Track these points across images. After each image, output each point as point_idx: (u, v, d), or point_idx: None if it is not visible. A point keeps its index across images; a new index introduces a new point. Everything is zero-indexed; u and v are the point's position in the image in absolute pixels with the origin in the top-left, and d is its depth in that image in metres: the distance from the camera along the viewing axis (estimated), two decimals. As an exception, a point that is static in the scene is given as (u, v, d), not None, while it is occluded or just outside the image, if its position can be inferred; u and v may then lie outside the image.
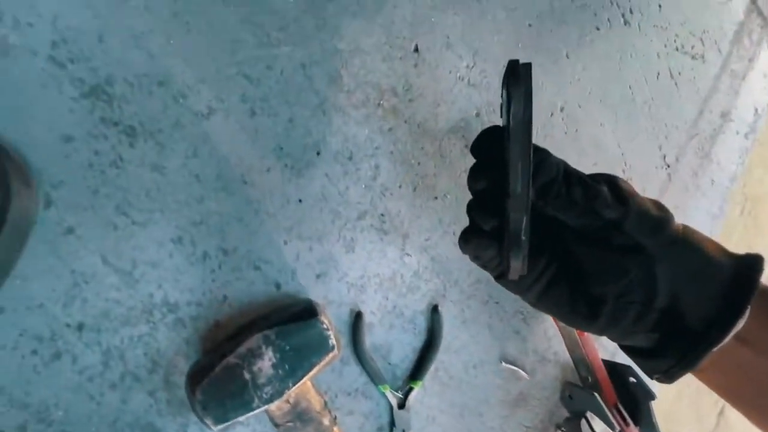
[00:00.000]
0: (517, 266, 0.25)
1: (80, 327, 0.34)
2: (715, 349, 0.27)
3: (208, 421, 0.30)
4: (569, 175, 0.27)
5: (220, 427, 0.31)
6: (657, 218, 0.27)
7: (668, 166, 0.63)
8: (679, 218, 0.27)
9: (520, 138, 0.23)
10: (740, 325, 0.27)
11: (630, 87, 0.61)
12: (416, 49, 0.47)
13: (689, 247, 0.28)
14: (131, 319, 0.35)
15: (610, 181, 0.28)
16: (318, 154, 0.42)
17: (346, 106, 0.44)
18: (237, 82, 0.40)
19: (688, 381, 0.30)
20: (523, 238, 0.24)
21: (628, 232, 0.27)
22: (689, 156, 0.65)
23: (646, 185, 0.62)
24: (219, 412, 0.30)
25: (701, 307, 0.27)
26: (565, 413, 0.50)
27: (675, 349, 0.28)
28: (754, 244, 0.86)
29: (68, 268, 0.34)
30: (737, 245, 0.78)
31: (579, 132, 0.57)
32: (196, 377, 0.31)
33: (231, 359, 0.31)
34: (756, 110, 0.73)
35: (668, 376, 0.29)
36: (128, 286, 0.35)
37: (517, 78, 0.23)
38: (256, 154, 0.40)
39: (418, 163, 0.46)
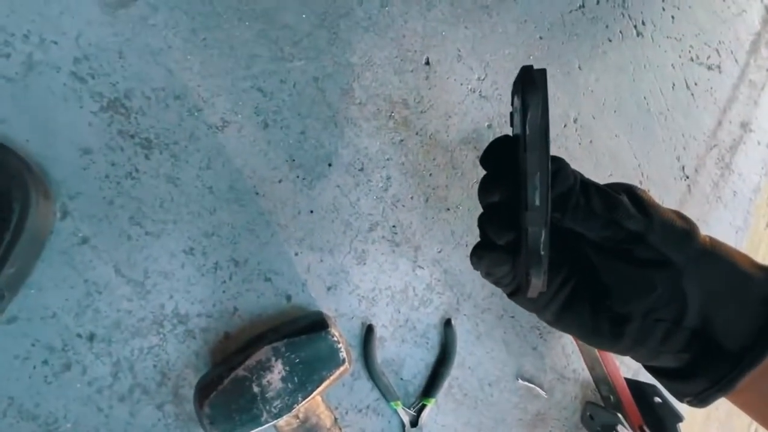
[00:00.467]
0: (537, 283, 0.23)
1: (91, 338, 0.34)
2: (754, 371, 0.25)
3: (216, 436, 0.30)
4: (586, 185, 0.26)
5: (228, 442, 0.30)
6: (683, 230, 0.26)
7: (687, 177, 0.62)
8: (702, 231, 0.26)
9: (537, 146, 0.22)
10: None
11: (645, 98, 0.60)
12: (427, 62, 0.47)
13: (719, 260, 0.26)
14: (142, 330, 0.35)
15: (629, 190, 0.27)
16: (330, 165, 0.42)
17: (358, 118, 0.44)
18: (251, 96, 0.40)
19: (718, 403, 0.28)
20: (543, 253, 0.23)
21: (652, 244, 0.25)
22: (709, 167, 0.63)
23: (664, 197, 0.60)
24: (227, 427, 0.30)
25: (737, 325, 0.25)
26: (587, 435, 0.48)
27: (709, 371, 0.26)
28: (781, 259, 0.82)
29: (81, 278, 0.34)
30: (765, 259, 0.75)
31: (594, 143, 0.56)
32: (204, 390, 0.31)
33: (240, 372, 0.30)
34: (778, 121, 0.71)
35: (701, 399, 0.27)
36: (140, 296, 0.35)
37: (534, 84, 0.22)
38: (268, 166, 0.40)
39: (430, 175, 0.46)
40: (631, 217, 0.25)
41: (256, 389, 0.30)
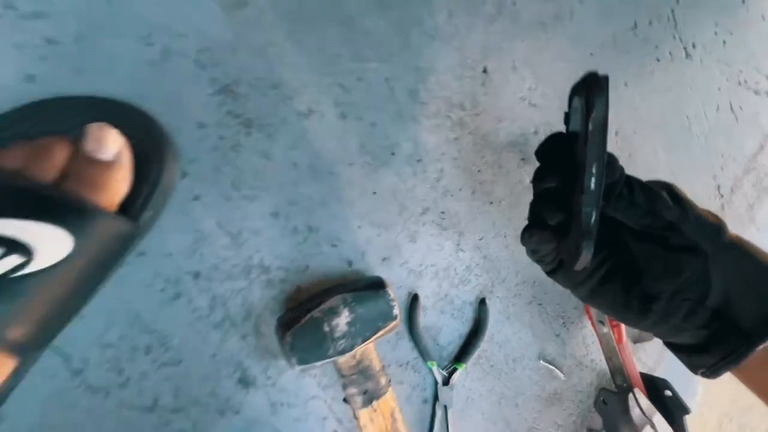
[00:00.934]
0: (587, 257, 0.27)
1: (196, 275, 0.42)
2: (761, 348, 0.29)
3: (293, 361, 0.37)
4: (631, 179, 0.31)
5: (302, 367, 0.37)
6: (714, 224, 0.30)
7: (722, 197, 0.65)
8: None
9: (598, 140, 0.27)
10: None
11: (687, 117, 0.63)
12: (485, 71, 0.53)
13: (744, 253, 0.30)
14: (234, 275, 0.43)
15: (668, 187, 0.32)
16: (393, 154, 0.49)
17: (420, 116, 0.50)
18: (332, 90, 0.48)
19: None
20: (593, 231, 0.27)
21: (686, 233, 0.29)
22: (746, 188, 0.66)
23: (697, 212, 0.63)
24: (303, 355, 0.37)
25: (752, 308, 0.29)
26: (598, 420, 0.52)
27: (723, 345, 0.30)
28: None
29: (192, 228, 0.42)
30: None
31: (632, 157, 0.60)
32: (286, 325, 0.38)
33: (315, 313, 0.38)
34: (823, 150, 0.72)
35: (713, 371, 0.31)
36: (235, 247, 0.43)
37: (599, 86, 0.27)
38: (342, 150, 0.47)
39: (478, 171, 0.52)
40: (669, 208, 0.29)
41: (326, 329, 0.37)
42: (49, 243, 0.30)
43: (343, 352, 0.38)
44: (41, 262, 0.29)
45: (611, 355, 0.51)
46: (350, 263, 0.46)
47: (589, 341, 0.54)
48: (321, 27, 0.47)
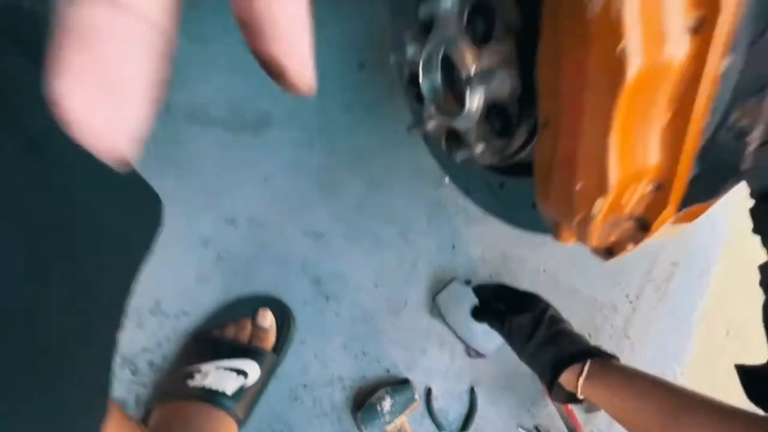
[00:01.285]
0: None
1: (305, 386, 0.76)
2: (559, 381, 0.60)
3: (363, 428, 0.68)
4: (488, 309, 0.67)
5: (367, 432, 0.68)
6: (526, 335, 0.64)
7: (631, 302, 0.95)
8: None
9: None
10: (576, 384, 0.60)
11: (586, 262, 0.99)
12: (453, 247, 0.93)
13: (544, 349, 0.63)
14: (325, 384, 0.76)
15: (508, 319, 0.67)
16: (406, 304, 0.86)
17: (420, 280, 0.88)
18: (371, 274, 0.87)
19: None
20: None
21: (514, 342, 0.64)
22: (648, 294, 0.97)
23: (613, 316, 0.94)
24: (368, 425, 0.68)
25: (546, 368, 0.62)
26: (572, 474, 0.75)
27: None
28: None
29: (301, 359, 0.78)
30: (727, 369, 0.99)
31: (557, 285, 0.95)
32: (357, 408, 0.70)
33: (372, 400, 0.70)
34: (707, 258, 1.04)
35: (553, 400, 0.62)
36: (324, 368, 0.78)
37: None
38: (378, 307, 0.84)
39: (458, 307, 0.87)
40: (498, 329, 0.65)
41: (379, 408, 0.69)
42: (252, 370, 0.67)
43: (389, 423, 0.69)
44: (250, 381, 0.66)
45: (565, 420, 0.77)
46: (388, 371, 0.79)
47: (552, 413, 0.80)
48: (359, 242, 0.90)
